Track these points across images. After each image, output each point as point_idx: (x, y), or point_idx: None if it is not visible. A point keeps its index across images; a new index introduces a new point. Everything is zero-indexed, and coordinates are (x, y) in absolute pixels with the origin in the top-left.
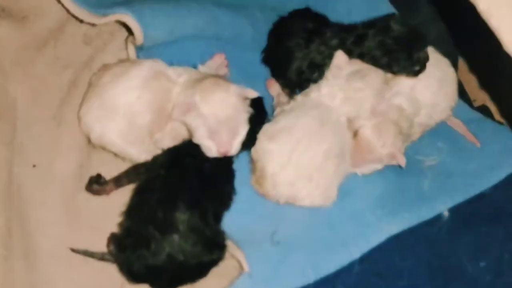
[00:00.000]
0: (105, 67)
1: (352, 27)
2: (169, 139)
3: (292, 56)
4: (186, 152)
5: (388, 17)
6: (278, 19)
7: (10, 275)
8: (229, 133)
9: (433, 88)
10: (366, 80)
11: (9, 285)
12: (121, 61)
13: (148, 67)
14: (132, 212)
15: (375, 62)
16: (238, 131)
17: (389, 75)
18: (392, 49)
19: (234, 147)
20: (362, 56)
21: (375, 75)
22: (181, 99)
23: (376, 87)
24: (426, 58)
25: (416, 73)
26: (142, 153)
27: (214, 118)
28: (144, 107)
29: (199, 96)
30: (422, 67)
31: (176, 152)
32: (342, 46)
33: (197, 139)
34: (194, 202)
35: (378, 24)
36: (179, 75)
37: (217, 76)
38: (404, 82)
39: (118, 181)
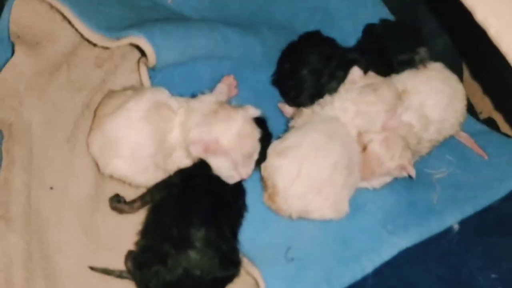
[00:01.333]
0: (110, 95)
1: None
2: (176, 166)
3: (306, 83)
4: (197, 172)
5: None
6: (289, 45)
7: None
8: (249, 161)
9: (443, 105)
10: (378, 94)
11: None
12: (125, 89)
13: (148, 97)
14: (147, 230)
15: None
16: (255, 155)
17: (400, 90)
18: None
19: (252, 169)
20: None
21: (387, 89)
22: (197, 136)
23: (389, 101)
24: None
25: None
26: (150, 180)
27: (238, 153)
28: (146, 139)
29: (219, 133)
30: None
31: (188, 172)
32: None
33: (219, 172)
34: (208, 219)
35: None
36: (181, 106)
37: (224, 106)
38: (413, 98)
39: (143, 199)
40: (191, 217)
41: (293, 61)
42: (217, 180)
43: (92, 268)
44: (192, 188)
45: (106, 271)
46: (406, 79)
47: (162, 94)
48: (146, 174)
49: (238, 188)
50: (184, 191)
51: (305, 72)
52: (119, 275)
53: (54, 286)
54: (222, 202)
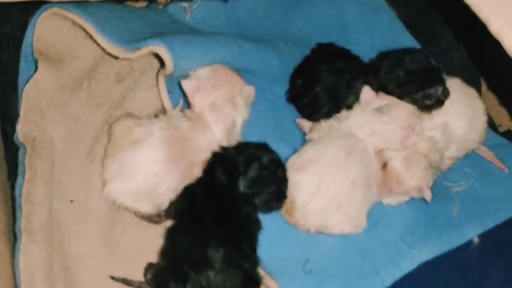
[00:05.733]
0: (122, 120)
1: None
2: None
3: (321, 101)
4: (202, 193)
5: (405, 50)
6: (303, 60)
7: None
8: None
9: (465, 126)
10: (392, 114)
11: None
12: (144, 117)
13: (166, 135)
14: (166, 252)
15: (391, 93)
16: None
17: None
18: (404, 82)
19: None
20: (382, 88)
21: (402, 108)
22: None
23: (403, 120)
24: (441, 95)
25: (428, 108)
26: (152, 208)
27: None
28: (172, 176)
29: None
30: (435, 103)
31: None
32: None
33: None
34: (226, 238)
35: (392, 56)
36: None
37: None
38: (437, 119)
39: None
40: (208, 239)
41: (305, 77)
42: (228, 199)
43: (112, 278)
44: (206, 208)
45: (126, 281)
46: None
47: (175, 128)
48: (161, 206)
49: (250, 207)
50: (199, 211)
51: (318, 89)
52: (138, 286)
53: None
54: (236, 220)
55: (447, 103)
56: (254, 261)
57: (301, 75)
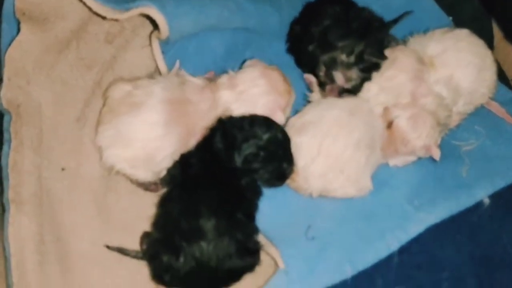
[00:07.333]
0: (120, 84)
1: None
2: None
3: (315, 39)
4: (198, 159)
5: None
6: (304, 6)
7: (45, 280)
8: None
9: (472, 77)
10: (397, 65)
11: None
12: (136, 79)
13: (166, 94)
14: (158, 224)
15: None
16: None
17: (426, 59)
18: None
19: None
20: None
21: (406, 56)
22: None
23: (411, 68)
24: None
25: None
26: (151, 176)
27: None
28: (171, 140)
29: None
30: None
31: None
32: None
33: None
34: (218, 207)
35: None
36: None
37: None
38: (441, 71)
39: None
40: (199, 207)
41: (304, 21)
42: (225, 168)
43: (108, 247)
44: (196, 176)
45: (122, 251)
46: (432, 51)
47: (179, 88)
48: (159, 174)
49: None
50: (188, 181)
51: (315, 30)
52: (134, 255)
53: (67, 268)
54: (231, 188)
55: (451, 52)
56: (250, 229)
57: (301, 20)
